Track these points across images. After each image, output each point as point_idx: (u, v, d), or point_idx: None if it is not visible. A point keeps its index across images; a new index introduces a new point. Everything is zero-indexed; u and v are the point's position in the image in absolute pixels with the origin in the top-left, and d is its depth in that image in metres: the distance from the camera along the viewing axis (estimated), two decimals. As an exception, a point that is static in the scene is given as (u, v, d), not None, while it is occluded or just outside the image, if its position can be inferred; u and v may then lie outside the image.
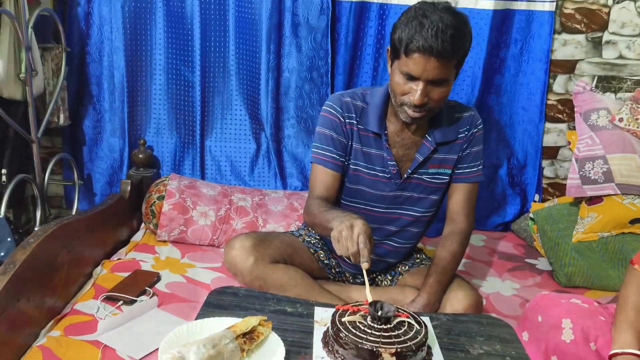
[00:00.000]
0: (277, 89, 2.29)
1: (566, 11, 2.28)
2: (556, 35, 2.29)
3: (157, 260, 1.97)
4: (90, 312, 1.61)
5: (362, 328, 1.07)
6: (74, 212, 2.26)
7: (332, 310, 1.24)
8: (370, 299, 1.13)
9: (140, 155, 2.32)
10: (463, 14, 1.43)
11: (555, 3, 2.22)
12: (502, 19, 2.24)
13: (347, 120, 1.60)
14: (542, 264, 2.18)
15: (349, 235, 1.23)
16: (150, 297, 1.69)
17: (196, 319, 1.16)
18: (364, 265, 1.21)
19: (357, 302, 1.19)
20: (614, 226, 2.04)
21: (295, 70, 2.27)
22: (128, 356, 1.42)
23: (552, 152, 2.46)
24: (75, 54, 2.24)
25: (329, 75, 2.25)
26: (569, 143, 2.36)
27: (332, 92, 2.29)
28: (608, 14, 2.27)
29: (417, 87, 1.41)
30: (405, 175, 1.62)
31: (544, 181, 2.48)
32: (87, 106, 2.33)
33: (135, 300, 1.67)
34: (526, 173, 2.43)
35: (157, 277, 1.82)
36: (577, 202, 2.18)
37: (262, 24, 2.20)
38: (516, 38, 2.28)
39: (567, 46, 2.32)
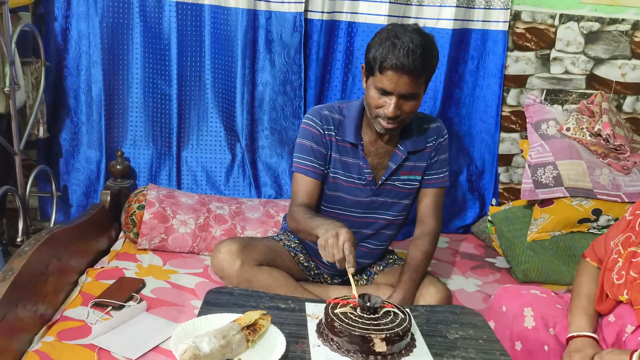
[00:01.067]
0: (251, 101, 2.39)
1: (518, 30, 2.48)
2: (509, 53, 2.49)
3: (140, 268, 2.03)
4: (81, 317, 1.66)
5: (354, 318, 1.19)
6: (52, 224, 2.28)
7: (321, 305, 1.36)
8: (356, 295, 1.24)
9: (118, 167, 2.36)
10: (430, 34, 1.59)
11: (508, 23, 2.42)
12: (461, 37, 2.42)
13: (326, 132, 1.72)
14: (500, 262, 2.35)
15: (334, 243, 1.34)
16: (138, 302, 1.75)
17: (198, 316, 1.24)
18: (350, 270, 1.32)
19: (345, 296, 1.31)
20: (564, 226, 2.24)
21: (269, 84, 2.38)
22: (124, 357, 1.48)
23: (506, 160, 2.66)
24: (52, 68, 2.28)
25: (302, 89, 2.37)
26: (522, 151, 2.55)
27: (305, 105, 2.41)
28: (555, 33, 2.50)
29: (391, 101, 1.55)
30: (380, 182, 1.75)
31: (500, 186, 2.68)
32: (64, 119, 2.36)
33: (124, 306, 1.73)
34: (484, 179, 2.61)
35: (143, 284, 1.88)
36: (531, 204, 2.36)
37: (238, 39, 2.30)
38: (473, 55, 2.46)
39: (519, 62, 2.53)
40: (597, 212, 2.21)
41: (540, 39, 2.50)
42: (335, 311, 1.21)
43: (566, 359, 1.36)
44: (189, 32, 2.32)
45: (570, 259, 2.19)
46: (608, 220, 2.21)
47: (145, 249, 2.17)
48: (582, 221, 2.22)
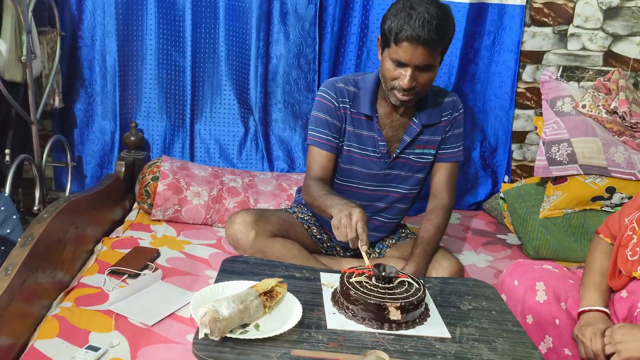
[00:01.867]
0: (265, 74, 2.39)
1: (535, 5, 2.45)
2: (526, 28, 2.46)
3: (155, 238, 2.05)
4: (97, 285, 1.69)
5: (369, 287, 1.21)
6: (66, 193, 2.31)
7: (336, 274, 1.38)
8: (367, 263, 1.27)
9: (132, 138, 2.38)
10: (447, 5, 1.57)
11: (526, -2, 2.39)
12: (477, 11, 2.39)
13: (340, 105, 1.72)
14: (512, 239, 2.36)
15: (347, 222, 1.36)
16: (154, 271, 1.78)
17: (215, 283, 1.27)
18: (364, 248, 1.34)
19: (360, 266, 1.32)
20: (577, 203, 2.23)
21: (284, 57, 2.37)
22: (141, 323, 1.51)
23: (520, 137, 2.65)
24: (67, 38, 2.28)
25: (317, 62, 2.36)
26: (536, 128, 2.54)
27: (319, 78, 2.40)
28: (573, 8, 2.46)
29: (406, 73, 1.54)
30: (394, 155, 1.76)
31: (513, 163, 2.67)
32: (78, 90, 2.37)
33: (139, 274, 1.75)
34: (497, 156, 2.61)
35: (157, 253, 1.90)
36: (544, 182, 2.36)
37: (252, 12, 2.29)
38: (489, 30, 2.43)
39: (535, 38, 2.50)
40: (611, 190, 2.20)
41: (558, 14, 2.47)
42: (350, 280, 1.23)
43: (577, 332, 1.37)
44: (203, 3, 2.31)
45: (582, 236, 2.19)
46: (622, 198, 2.21)
47: (159, 220, 2.19)
48: (595, 199, 2.22)
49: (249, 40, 2.34)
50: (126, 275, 1.74)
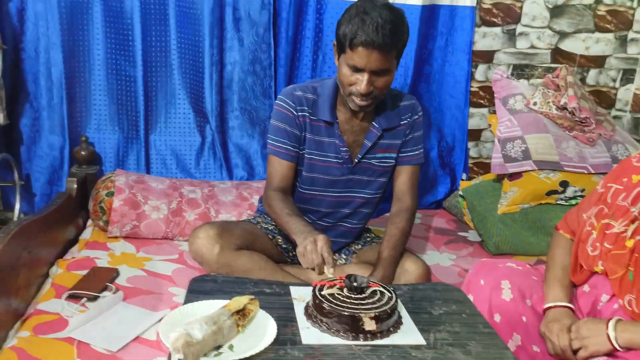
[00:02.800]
0: (220, 81, 2.36)
1: (485, 6, 2.51)
2: (476, 28, 2.52)
3: (112, 256, 1.99)
4: (55, 310, 1.62)
5: (342, 298, 1.20)
6: (15, 213, 2.21)
7: (306, 287, 1.37)
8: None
9: (83, 152, 2.29)
10: (400, 9, 1.58)
11: (475, -1, 2.45)
12: (429, 13, 2.43)
13: (299, 113, 1.71)
14: (472, 235, 2.41)
15: (313, 249, 1.40)
16: (114, 292, 1.72)
17: (183, 304, 1.23)
18: (330, 271, 1.37)
19: (330, 277, 1.32)
20: (533, 198, 2.30)
21: (238, 63, 2.34)
22: (104, 349, 1.46)
23: (476, 135, 2.71)
24: (9, 51, 2.17)
25: (272, 68, 2.34)
26: (490, 126, 2.60)
27: (275, 84, 2.38)
28: (521, 8, 2.54)
29: (363, 78, 1.55)
30: (356, 160, 1.76)
31: (470, 161, 2.73)
32: (23, 104, 2.27)
33: (99, 297, 1.69)
34: (454, 154, 2.66)
35: (117, 273, 1.84)
36: (500, 178, 2.42)
37: (204, 18, 2.25)
38: (442, 31, 2.48)
39: (486, 38, 2.56)
40: (565, 184, 2.28)
41: (506, 14, 2.54)
42: (322, 293, 1.22)
43: (544, 329, 1.41)
44: (152, 11, 2.25)
45: (539, 230, 2.26)
46: (575, 192, 2.29)
47: (116, 237, 2.12)
48: (550, 193, 2.30)
49: (202, 47, 2.30)
50: (85, 299, 1.68)
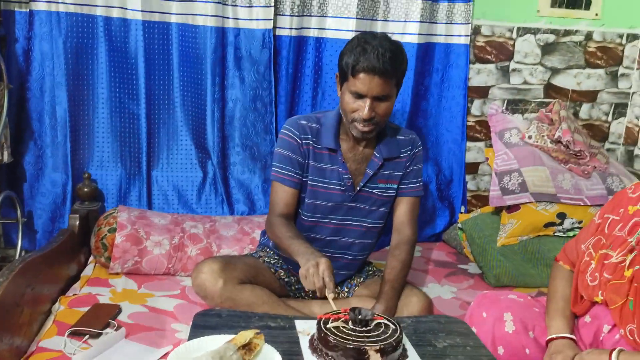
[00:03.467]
0: (222, 118, 2.40)
1: (478, 44, 2.59)
2: (471, 65, 2.59)
3: (114, 293, 1.99)
4: (58, 348, 1.61)
5: (347, 331, 1.21)
6: (17, 251, 2.21)
7: (311, 321, 1.37)
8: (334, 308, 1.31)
9: (85, 189, 2.32)
10: (398, 41, 1.69)
11: (469, 37, 2.52)
12: (425, 50, 2.51)
13: (303, 142, 1.77)
14: (473, 268, 2.42)
15: (315, 272, 1.43)
16: (116, 329, 1.71)
17: (188, 339, 1.24)
18: (330, 296, 1.40)
19: (335, 311, 1.33)
20: (531, 230, 2.33)
21: (240, 100, 2.39)
22: (108, 386, 1.45)
23: (473, 168, 2.75)
24: (15, 90, 2.22)
25: (273, 105, 2.39)
26: (487, 159, 2.65)
27: (276, 120, 2.43)
28: (513, 45, 2.62)
29: (365, 104, 1.63)
30: (358, 188, 1.80)
31: (468, 194, 2.76)
32: (27, 142, 2.30)
33: (101, 333, 1.69)
34: (453, 187, 2.69)
35: (119, 309, 1.84)
36: (498, 210, 2.45)
37: (207, 57, 2.31)
38: (437, 68, 2.55)
39: (480, 74, 2.63)
40: (562, 216, 2.31)
41: (499, 52, 2.62)
42: (327, 326, 1.23)
43: (547, 360, 1.42)
44: (156, 51, 2.31)
45: (538, 262, 2.28)
46: (572, 223, 2.32)
47: (117, 273, 2.13)
48: (547, 225, 2.32)
49: (204, 85, 2.35)
50: (87, 336, 1.67)
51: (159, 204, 2.47)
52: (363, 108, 1.63)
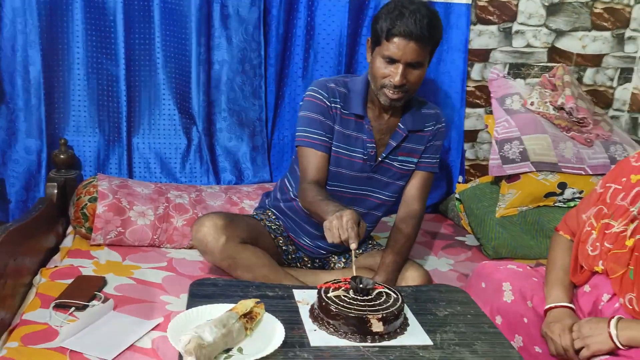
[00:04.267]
0: (208, 82, 2.44)
1: (480, 3, 2.65)
2: (472, 26, 2.65)
3: (98, 265, 2.05)
4: (43, 320, 1.68)
5: (348, 300, 1.30)
6: (-9, 221, 2.26)
7: (309, 291, 1.46)
8: (355, 273, 1.38)
9: (62, 156, 2.36)
10: (435, 9, 1.75)
11: (471, -4, 2.58)
12: (424, 10, 2.55)
13: (332, 105, 1.84)
14: (470, 240, 2.53)
15: (339, 224, 1.46)
16: (103, 301, 1.79)
17: (187, 308, 1.32)
18: (352, 246, 1.43)
19: (335, 280, 1.42)
20: (531, 200, 2.43)
21: (227, 62, 2.43)
22: (98, 358, 1.53)
23: (472, 136, 2.84)
24: (-17, 49, 2.23)
25: (263, 67, 2.44)
26: (487, 126, 2.73)
27: (265, 83, 2.48)
28: (517, 6, 2.68)
29: (397, 70, 1.70)
30: (380, 159, 1.88)
31: (466, 163, 2.86)
32: (-2, 105, 2.33)
33: (88, 306, 1.76)
34: (450, 156, 2.78)
35: (104, 281, 1.91)
36: (498, 180, 2.55)
37: (191, 15, 2.34)
38: (437, 28, 2.60)
39: (482, 36, 2.69)
40: (563, 186, 2.42)
41: (502, 12, 2.68)
42: (328, 295, 1.32)
43: (545, 330, 1.52)
44: (136, 7, 2.34)
45: (538, 233, 2.39)
46: (573, 193, 2.43)
47: (99, 245, 2.18)
48: (548, 195, 2.43)
49: (188, 45, 2.38)
50: (73, 308, 1.74)
51: (140, 172, 2.52)
52: (395, 74, 1.69)
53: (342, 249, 2.00)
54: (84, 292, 1.81)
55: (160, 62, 2.41)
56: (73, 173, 2.39)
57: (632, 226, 1.49)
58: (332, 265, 2.04)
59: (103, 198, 2.19)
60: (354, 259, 1.44)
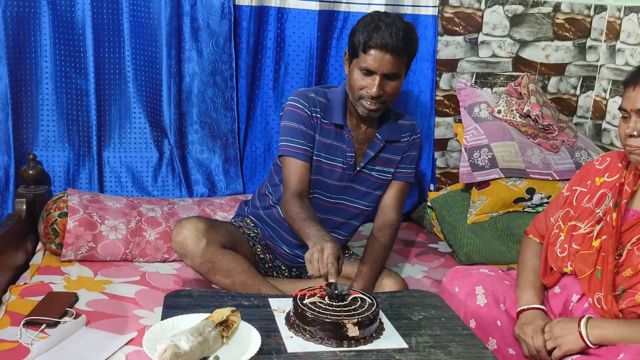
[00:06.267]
0: (179, 94, 2.44)
1: (446, 15, 2.71)
2: (439, 37, 2.71)
3: (69, 281, 2.02)
4: (13, 338, 1.65)
5: (324, 306, 1.31)
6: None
7: (285, 299, 1.47)
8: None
9: (30, 172, 2.32)
10: (411, 22, 1.81)
11: (437, 8, 2.64)
12: (392, 22, 2.60)
13: (313, 114, 1.86)
14: (443, 247, 2.57)
15: (320, 257, 1.47)
16: (75, 317, 1.76)
17: (162, 319, 1.31)
18: (331, 280, 1.43)
19: (310, 287, 1.42)
20: (501, 206, 2.48)
21: (197, 75, 2.43)
22: (71, 375, 1.51)
23: (442, 144, 2.89)
24: (-52, 63, 2.20)
25: (234, 79, 2.45)
26: (456, 135, 2.78)
27: (237, 95, 2.49)
28: (482, 17, 2.75)
29: (374, 81, 1.73)
30: (358, 168, 1.91)
31: (437, 171, 2.90)
32: (-36, 121, 2.28)
33: (59, 322, 1.73)
34: (422, 165, 2.82)
35: (75, 297, 1.88)
36: (468, 187, 2.59)
37: (162, 29, 2.34)
38: (405, 40, 2.65)
39: (449, 47, 2.75)
40: (531, 191, 2.47)
41: (468, 23, 2.74)
42: (304, 302, 1.32)
43: (518, 332, 1.55)
44: (105, 21, 2.33)
45: (508, 238, 2.44)
46: (541, 199, 2.48)
47: (70, 261, 2.15)
48: (517, 200, 2.48)
49: (159, 58, 2.38)
50: (44, 325, 1.71)
51: (111, 186, 2.50)
52: (372, 85, 1.73)
53: (297, 264, 2.03)
54: (55, 308, 1.78)
55: (130, 75, 2.40)
56: (42, 188, 2.36)
57: (597, 227, 1.53)
58: (308, 274, 2.05)
59: (73, 213, 2.16)
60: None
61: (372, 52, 1.71)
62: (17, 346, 1.61)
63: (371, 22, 1.72)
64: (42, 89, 2.35)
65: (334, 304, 1.33)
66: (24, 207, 2.20)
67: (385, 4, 2.53)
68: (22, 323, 1.70)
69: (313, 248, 1.50)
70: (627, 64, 2.78)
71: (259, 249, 2.00)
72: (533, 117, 2.55)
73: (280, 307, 1.42)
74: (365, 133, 1.91)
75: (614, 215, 1.49)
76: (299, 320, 1.30)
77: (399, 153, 1.96)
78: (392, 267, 2.31)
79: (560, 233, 1.62)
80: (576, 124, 2.98)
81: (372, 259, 1.87)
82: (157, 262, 2.22)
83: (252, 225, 2.04)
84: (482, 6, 2.73)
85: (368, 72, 1.74)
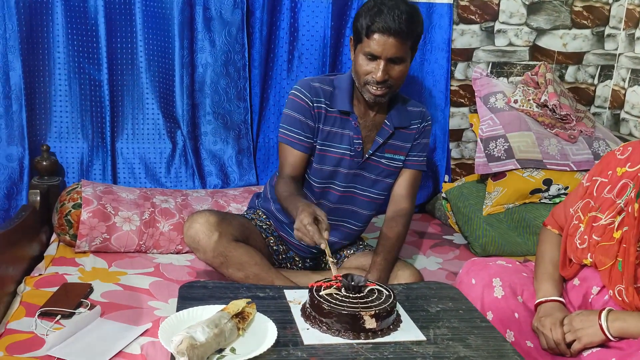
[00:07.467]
0: (191, 85, 2.43)
1: (462, 3, 2.67)
2: (454, 26, 2.68)
3: (83, 272, 2.03)
4: (28, 329, 1.65)
5: (340, 298, 1.30)
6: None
7: (300, 291, 1.45)
8: (334, 273, 1.39)
9: (44, 163, 2.33)
10: (415, 5, 1.77)
11: (452, -5, 2.60)
12: (407, 10, 2.57)
13: (315, 104, 1.85)
14: (458, 238, 2.54)
15: (300, 226, 1.51)
16: (90, 308, 1.76)
17: (177, 311, 1.30)
18: (322, 246, 1.46)
19: (326, 278, 1.41)
20: (517, 197, 2.45)
21: (210, 65, 2.42)
22: (86, 365, 1.51)
23: (457, 135, 2.86)
24: (-37, 55, 2.20)
25: (247, 69, 2.43)
26: (471, 125, 2.75)
27: (250, 86, 2.47)
28: (498, 5, 2.71)
29: (379, 66, 1.72)
30: (367, 155, 1.89)
31: (452, 162, 2.87)
32: (-22, 113, 2.29)
33: (74, 313, 1.74)
34: (436, 156, 2.80)
35: (90, 288, 1.88)
36: (484, 178, 2.57)
37: (174, 18, 2.33)
38: (420, 28, 2.62)
39: (464, 36, 2.72)
40: (548, 182, 2.44)
41: (484, 11, 2.70)
42: (320, 293, 1.31)
43: (536, 324, 1.53)
44: (118, 11, 2.32)
45: (524, 230, 2.41)
46: (559, 190, 2.45)
47: (84, 252, 2.16)
48: (534, 192, 2.45)
49: (171, 48, 2.37)
50: (59, 316, 1.71)
51: (124, 177, 2.50)
52: (377, 70, 1.72)
53: (311, 254, 2.03)
54: (70, 299, 1.79)
55: (143, 65, 2.39)
56: (56, 180, 2.36)
57: (619, 218, 1.50)
58: (323, 265, 2.04)
59: (87, 204, 2.16)
60: (329, 259, 1.46)
61: (376, 36, 1.69)
62: (32, 337, 1.62)
63: (374, 7, 1.71)
64: (55, 80, 2.35)
65: (351, 295, 1.31)
66: (38, 198, 2.20)
67: (399, -8, 2.49)
68: (37, 314, 1.70)
69: (298, 217, 1.53)
70: (646, 52, 2.73)
71: (272, 241, 1.99)
72: (550, 107, 2.52)
73: (296, 298, 1.41)
74: (374, 120, 1.89)
75: (636, 206, 1.46)
76: (316, 312, 1.29)
77: (409, 140, 1.93)
78: (407, 258, 2.30)
79: (580, 224, 1.59)
80: (594, 114, 2.93)
81: (386, 250, 1.85)
82: (171, 253, 2.22)
83: (264, 217, 2.03)
84: (499, -6, 2.70)
85: (372, 57, 1.72)
